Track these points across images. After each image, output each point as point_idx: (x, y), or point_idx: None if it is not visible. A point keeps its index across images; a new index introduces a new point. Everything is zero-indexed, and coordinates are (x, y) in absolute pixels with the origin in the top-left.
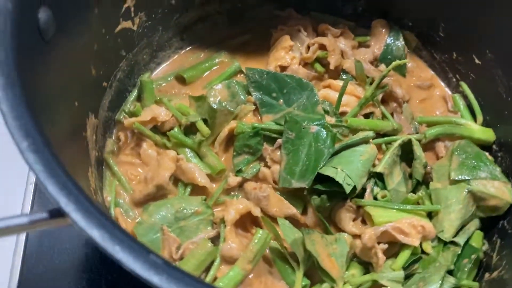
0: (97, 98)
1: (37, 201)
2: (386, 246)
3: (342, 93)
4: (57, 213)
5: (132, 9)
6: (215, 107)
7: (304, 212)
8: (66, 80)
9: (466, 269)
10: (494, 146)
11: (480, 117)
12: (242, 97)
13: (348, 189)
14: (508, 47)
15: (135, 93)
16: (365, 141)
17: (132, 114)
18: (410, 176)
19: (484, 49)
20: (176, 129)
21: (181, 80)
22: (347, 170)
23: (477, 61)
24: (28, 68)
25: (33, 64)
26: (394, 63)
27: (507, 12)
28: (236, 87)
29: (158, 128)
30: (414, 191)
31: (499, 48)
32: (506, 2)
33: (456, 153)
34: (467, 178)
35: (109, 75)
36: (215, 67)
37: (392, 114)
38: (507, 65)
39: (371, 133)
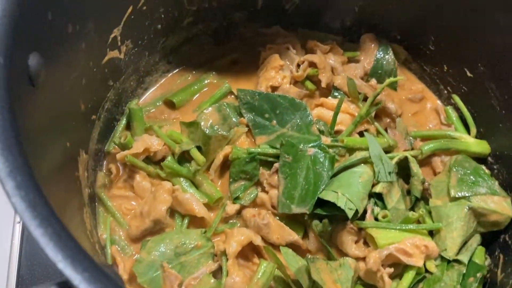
0: (87, 133)
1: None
2: (392, 270)
3: (337, 112)
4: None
5: (119, 38)
6: (208, 134)
7: (305, 235)
8: (56, 122)
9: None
10: (489, 159)
11: (473, 129)
12: (234, 119)
13: (350, 214)
14: (500, 61)
15: (124, 121)
16: (362, 161)
17: (123, 146)
18: (408, 192)
19: (475, 62)
20: (169, 158)
21: (170, 104)
22: (348, 194)
23: (469, 74)
24: (19, 115)
25: (23, 111)
26: (387, 81)
27: (499, 25)
28: (227, 109)
29: (151, 158)
30: (413, 207)
31: (491, 62)
32: (497, 15)
33: (454, 169)
34: (467, 194)
35: (98, 107)
36: (204, 89)
37: (386, 130)
38: (500, 79)
39: (368, 153)
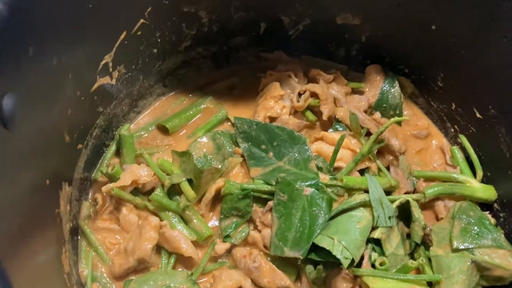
0: (71, 164)
1: None
2: None
3: (337, 149)
4: None
5: (110, 64)
6: (201, 167)
7: (297, 278)
8: (33, 161)
9: None
10: (495, 205)
11: (480, 173)
12: (228, 149)
13: (346, 264)
14: None
15: (113, 148)
16: (361, 204)
17: (110, 177)
18: (408, 235)
19: (486, 104)
20: (158, 190)
21: (163, 129)
22: (344, 241)
23: (478, 115)
24: None
25: None
26: (392, 120)
27: None
28: (222, 138)
29: (139, 189)
30: (412, 253)
31: (503, 106)
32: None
33: (458, 217)
34: (470, 247)
35: (85, 135)
36: (199, 115)
37: (388, 168)
38: (511, 124)
39: (367, 196)
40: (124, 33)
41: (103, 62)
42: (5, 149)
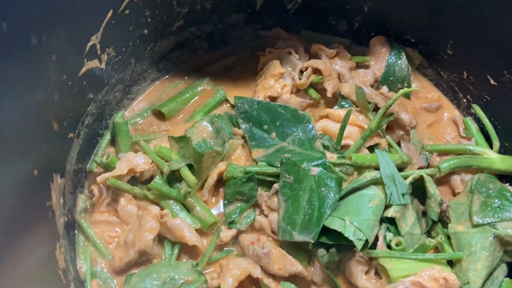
0: (62, 154)
1: None
2: None
3: (344, 126)
4: None
5: (98, 46)
6: (201, 151)
7: (309, 263)
8: (15, 149)
9: None
10: None
11: (496, 143)
12: (227, 131)
13: (359, 245)
14: None
15: (107, 137)
16: (373, 182)
17: (106, 166)
18: (424, 213)
19: (501, 69)
20: (157, 178)
21: (159, 114)
22: (356, 222)
23: (492, 82)
24: None
25: None
26: (401, 91)
27: None
28: (220, 121)
29: (137, 178)
30: (429, 231)
31: None
32: None
33: (476, 190)
34: (492, 221)
35: (75, 123)
36: (196, 97)
37: (399, 143)
38: None
39: (379, 173)
40: (111, 11)
41: (89, 44)
42: None
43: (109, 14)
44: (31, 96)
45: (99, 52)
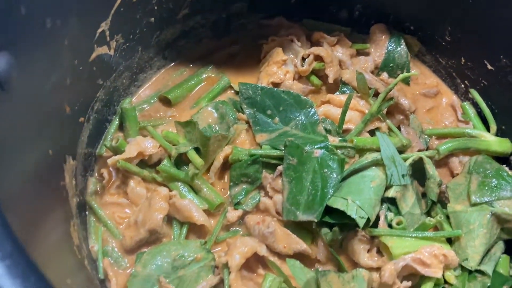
0: (74, 137)
1: None
2: (409, 284)
3: (345, 110)
4: None
5: (107, 32)
6: (207, 134)
7: (313, 242)
8: (34, 127)
9: None
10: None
11: (493, 126)
12: (232, 116)
13: (361, 223)
14: None
15: (116, 122)
16: (374, 163)
17: (115, 150)
18: (424, 195)
19: (497, 54)
20: (166, 161)
21: (166, 101)
22: (358, 201)
23: (489, 67)
24: None
25: None
26: (401, 76)
27: None
28: (224, 107)
29: (145, 162)
30: (429, 211)
31: None
32: None
33: (474, 172)
34: (489, 200)
35: (86, 108)
36: (202, 84)
37: (399, 128)
38: None
39: (379, 154)
40: None
41: (99, 30)
42: (2, 111)
43: (118, 1)
44: (47, 77)
45: (108, 38)
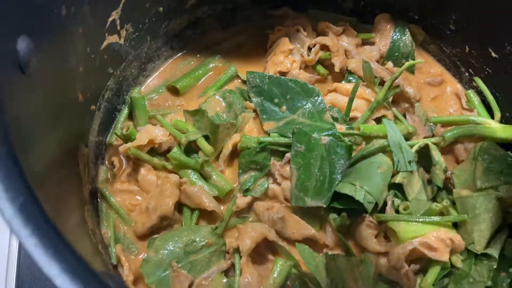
0: (86, 125)
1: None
2: (417, 267)
3: (352, 97)
4: None
5: (118, 21)
6: (217, 123)
7: (321, 228)
8: (51, 112)
9: (504, 284)
10: None
11: (498, 114)
12: (239, 105)
13: (369, 208)
14: None
15: (125, 111)
16: (381, 150)
17: (126, 138)
18: (429, 181)
19: (502, 42)
20: (175, 149)
21: (174, 90)
22: (366, 186)
23: (493, 54)
24: (8, 105)
25: (12, 100)
26: (406, 64)
27: None
28: (231, 96)
29: (156, 150)
30: (435, 198)
31: None
32: None
33: (479, 157)
34: (495, 184)
35: (97, 96)
36: (209, 73)
37: (404, 115)
38: None
39: (386, 141)
40: None
41: (110, 19)
42: (24, 94)
43: None
44: (61, 63)
45: (118, 27)
